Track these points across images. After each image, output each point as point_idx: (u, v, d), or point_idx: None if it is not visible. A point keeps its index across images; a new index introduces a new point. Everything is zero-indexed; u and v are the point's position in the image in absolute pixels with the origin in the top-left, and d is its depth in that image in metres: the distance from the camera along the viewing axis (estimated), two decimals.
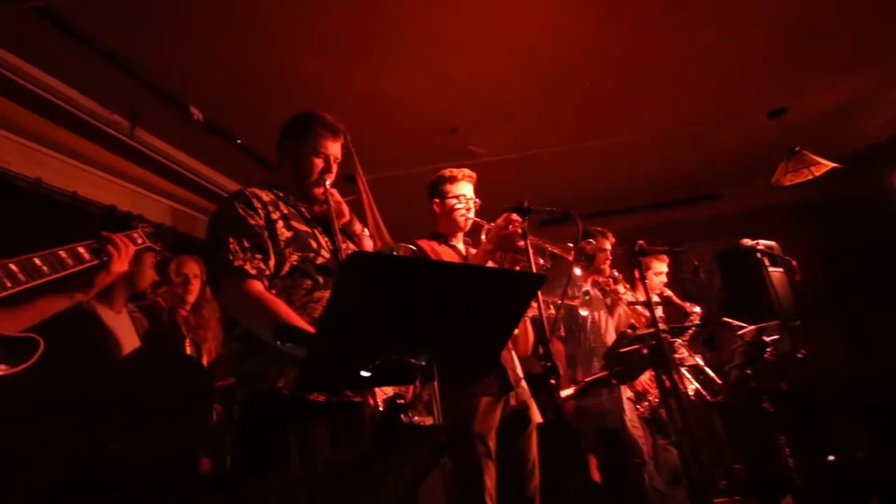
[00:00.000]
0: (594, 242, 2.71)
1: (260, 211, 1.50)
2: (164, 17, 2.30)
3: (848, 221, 4.82)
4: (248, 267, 1.40)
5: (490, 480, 1.98)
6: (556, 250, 1.89)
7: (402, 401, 0.92)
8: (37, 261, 1.18)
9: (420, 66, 2.92)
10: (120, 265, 1.36)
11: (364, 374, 1.00)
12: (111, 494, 1.98)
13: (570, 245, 1.84)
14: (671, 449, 3.48)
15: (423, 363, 1.11)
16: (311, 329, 1.33)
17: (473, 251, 2.41)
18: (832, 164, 3.67)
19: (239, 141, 3.39)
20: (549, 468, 2.13)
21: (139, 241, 1.48)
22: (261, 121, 3.03)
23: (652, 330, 1.93)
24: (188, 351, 2.55)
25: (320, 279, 1.51)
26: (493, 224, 2.08)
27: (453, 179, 2.25)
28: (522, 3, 2.56)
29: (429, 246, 2.27)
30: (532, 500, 2.07)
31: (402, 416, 0.87)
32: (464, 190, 2.24)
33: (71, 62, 2.34)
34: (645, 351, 1.87)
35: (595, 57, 3.00)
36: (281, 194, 1.61)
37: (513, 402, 2.13)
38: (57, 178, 2.94)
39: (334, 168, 1.67)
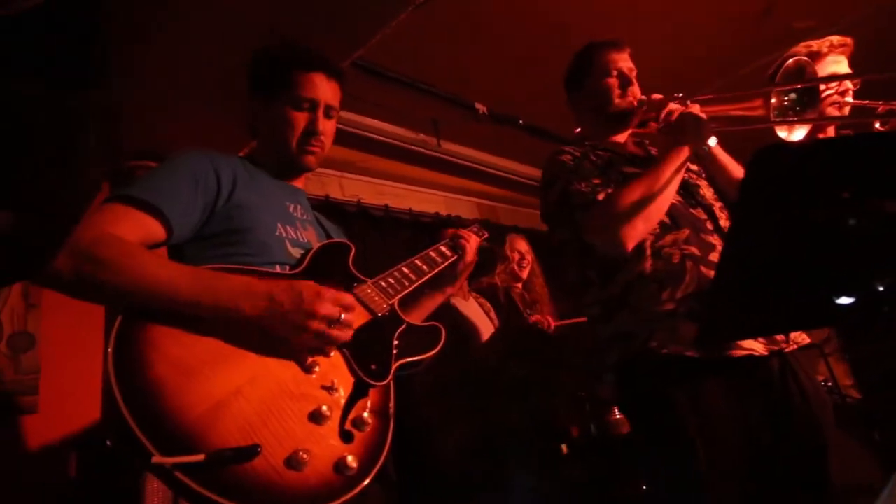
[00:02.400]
0: None
1: (582, 161, 1.45)
2: (430, 32, 2.49)
3: None
4: (602, 194, 1.36)
5: None
6: None
7: None
8: (418, 262, 1.37)
9: None
10: (471, 255, 1.48)
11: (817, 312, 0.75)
12: (505, 460, 2.24)
13: None
14: None
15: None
16: None
17: None
18: None
19: (521, 122, 3.47)
20: None
21: (479, 233, 1.59)
22: (535, 95, 3.08)
23: None
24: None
25: None
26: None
27: (816, 57, 1.64)
28: None
29: None
30: None
31: None
32: (835, 68, 1.65)
33: (382, 99, 2.78)
34: None
35: None
36: (599, 147, 1.51)
37: None
38: (396, 201, 3.60)
39: (634, 80, 1.53)
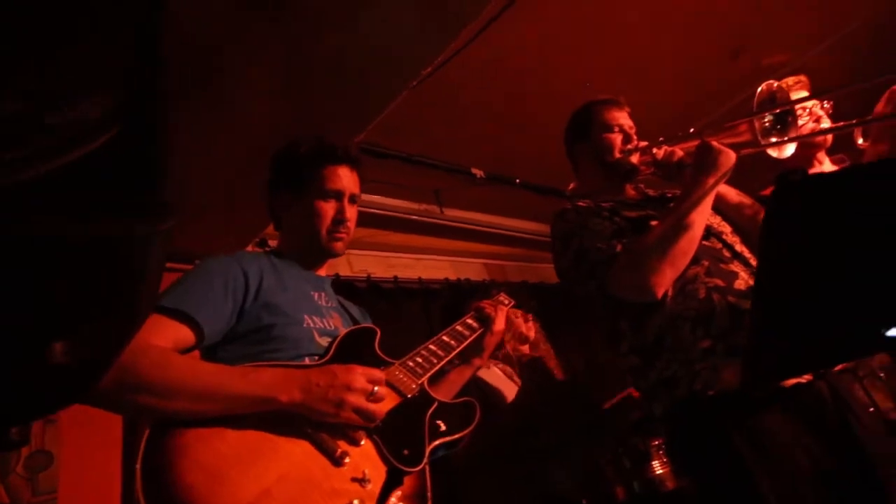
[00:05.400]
0: None
1: (591, 215, 1.46)
2: (423, 105, 2.61)
3: None
4: (619, 245, 1.36)
5: None
6: None
7: None
8: (445, 338, 1.36)
9: None
10: (499, 325, 1.48)
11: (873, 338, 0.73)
12: None
13: None
14: None
15: None
16: None
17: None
18: None
19: (518, 181, 3.57)
20: None
21: (505, 301, 1.59)
22: (528, 154, 3.20)
23: None
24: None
25: None
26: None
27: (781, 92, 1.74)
28: None
29: None
30: None
31: None
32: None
33: (384, 176, 2.87)
34: None
35: None
36: (601, 200, 1.54)
37: None
38: (405, 272, 3.62)
39: (634, 136, 1.57)
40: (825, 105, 1.69)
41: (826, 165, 1.81)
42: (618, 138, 1.57)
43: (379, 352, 1.22)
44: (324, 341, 1.17)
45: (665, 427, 1.32)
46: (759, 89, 1.38)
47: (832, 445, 1.15)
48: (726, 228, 1.49)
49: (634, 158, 1.55)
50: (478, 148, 3.15)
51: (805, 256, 0.76)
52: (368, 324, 1.34)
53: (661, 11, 2.56)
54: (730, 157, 1.31)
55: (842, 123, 1.47)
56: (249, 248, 2.42)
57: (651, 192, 1.64)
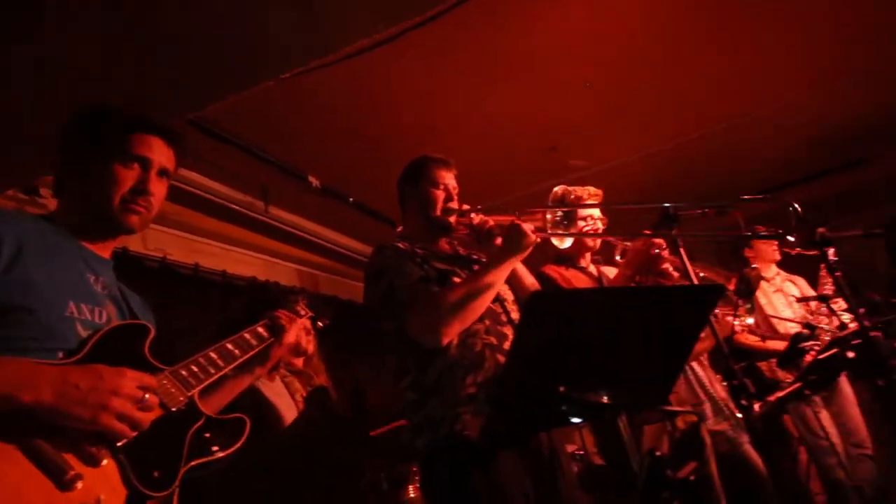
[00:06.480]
0: (758, 269, 2.45)
1: (406, 258, 1.59)
2: (277, 102, 2.54)
3: None
4: (433, 291, 1.50)
5: None
6: (709, 276, 1.74)
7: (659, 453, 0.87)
8: (229, 346, 1.29)
9: (518, 82, 2.91)
10: (290, 337, 1.45)
11: (566, 412, 0.96)
12: None
13: (722, 271, 1.68)
14: (867, 460, 3.02)
15: (606, 399, 1.08)
16: None
17: (605, 269, 2.30)
18: None
19: (352, 199, 3.62)
20: None
21: (302, 312, 1.58)
22: (368, 177, 3.28)
23: (852, 329, 1.66)
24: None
25: None
26: (627, 244, 1.98)
27: (579, 200, 2.18)
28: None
29: (557, 272, 2.20)
30: None
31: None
32: (590, 210, 2.16)
33: (214, 158, 2.66)
34: (851, 354, 1.60)
35: (706, 36, 2.78)
36: (417, 246, 1.68)
37: (680, 425, 1.97)
38: (210, 261, 3.33)
39: (455, 197, 1.75)
40: (603, 218, 2.14)
41: (587, 263, 2.26)
42: (441, 196, 1.72)
43: (148, 355, 1.09)
44: (87, 335, 1.01)
45: (422, 458, 1.48)
46: (555, 190, 1.70)
47: (543, 490, 1.42)
48: (509, 296, 1.74)
49: (452, 218, 1.73)
50: (321, 157, 3.12)
51: (541, 346, 0.98)
52: (142, 321, 1.17)
53: (508, 93, 2.94)
54: (532, 240, 1.53)
55: (607, 237, 1.87)
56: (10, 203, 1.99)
57: (461, 251, 1.84)
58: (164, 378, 1.08)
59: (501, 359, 1.49)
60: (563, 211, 1.68)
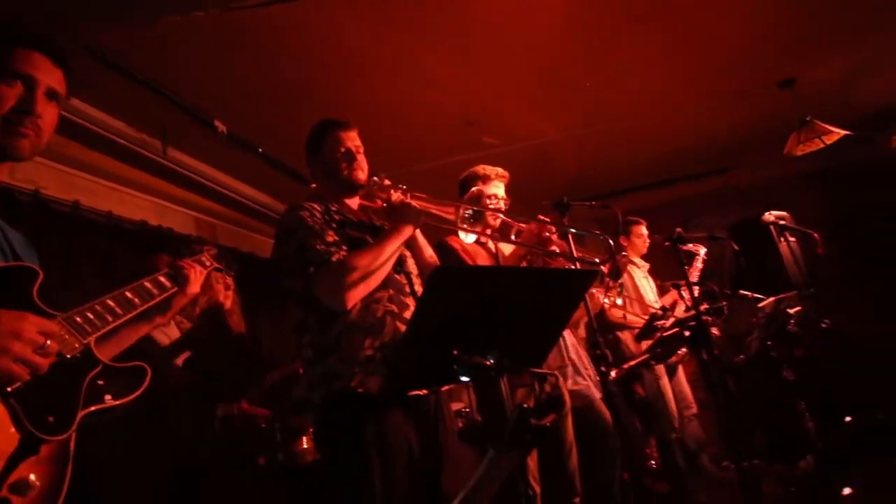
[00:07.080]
0: (627, 256, 2.79)
1: (319, 220, 1.64)
2: (188, 40, 2.37)
3: (864, 188, 4.82)
4: (341, 255, 1.56)
5: (532, 462, 2.12)
6: (588, 258, 1.99)
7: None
8: (128, 294, 1.25)
9: (445, 53, 2.95)
10: (194, 288, 1.44)
11: (457, 372, 1.10)
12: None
13: (598, 260, 1.94)
14: (694, 419, 3.66)
15: (492, 362, 1.24)
16: None
17: (502, 246, 2.50)
18: (843, 132, 3.71)
19: (260, 150, 3.48)
20: None
21: (207, 263, 1.56)
22: (280, 129, 3.17)
23: (692, 312, 2.03)
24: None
25: None
26: (523, 225, 2.17)
27: (486, 179, 2.32)
28: None
29: (459, 244, 2.36)
30: (571, 479, 2.21)
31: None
32: (495, 190, 2.31)
33: (107, 90, 2.42)
34: (687, 333, 1.98)
35: (602, 34, 3.01)
36: (333, 207, 1.72)
37: (547, 388, 2.25)
38: (93, 200, 3.04)
39: (360, 156, 1.79)
40: (506, 198, 2.32)
41: (486, 239, 2.45)
42: (341, 159, 1.76)
43: (38, 300, 1.05)
44: None
45: (317, 412, 1.57)
46: (472, 189, 1.83)
47: (425, 442, 1.58)
48: (414, 270, 1.86)
49: (357, 175, 1.77)
50: (231, 104, 2.95)
51: (441, 317, 1.11)
52: (30, 263, 1.11)
53: (434, 61, 2.98)
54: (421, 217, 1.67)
55: (507, 220, 2.05)
56: None
57: (377, 222, 1.91)
58: (57, 324, 1.05)
59: (402, 327, 1.60)
60: (475, 210, 1.82)
